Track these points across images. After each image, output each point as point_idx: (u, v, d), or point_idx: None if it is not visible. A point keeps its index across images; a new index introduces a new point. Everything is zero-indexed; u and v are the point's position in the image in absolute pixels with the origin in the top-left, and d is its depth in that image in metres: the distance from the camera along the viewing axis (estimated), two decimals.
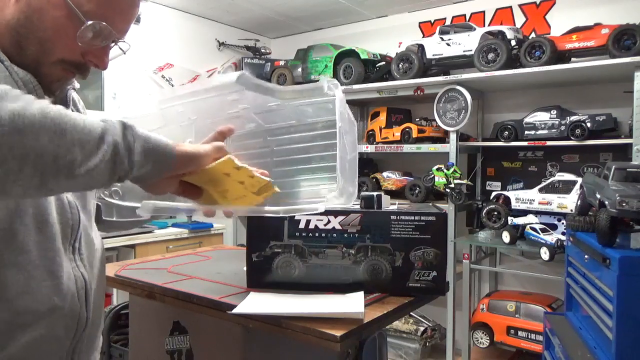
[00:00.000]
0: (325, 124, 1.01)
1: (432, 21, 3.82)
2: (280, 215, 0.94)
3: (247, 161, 0.83)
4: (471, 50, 3.13)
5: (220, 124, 0.96)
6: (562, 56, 2.89)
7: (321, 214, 1.22)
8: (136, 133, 0.72)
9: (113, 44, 0.86)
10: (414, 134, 3.43)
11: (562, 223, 2.74)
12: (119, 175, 0.70)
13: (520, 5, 3.46)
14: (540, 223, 2.80)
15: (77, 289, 0.86)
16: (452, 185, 3.12)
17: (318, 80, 0.96)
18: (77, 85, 0.97)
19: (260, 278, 1.30)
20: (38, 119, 0.61)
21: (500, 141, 3.18)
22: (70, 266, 0.86)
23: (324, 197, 0.94)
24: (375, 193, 1.33)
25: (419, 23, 3.89)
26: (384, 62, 3.61)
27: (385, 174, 3.63)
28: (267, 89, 0.96)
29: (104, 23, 0.80)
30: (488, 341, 3.11)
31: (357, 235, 1.26)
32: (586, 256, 1.77)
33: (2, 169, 0.59)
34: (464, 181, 3.17)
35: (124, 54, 0.90)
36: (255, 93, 0.96)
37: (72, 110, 0.98)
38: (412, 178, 3.56)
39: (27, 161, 0.60)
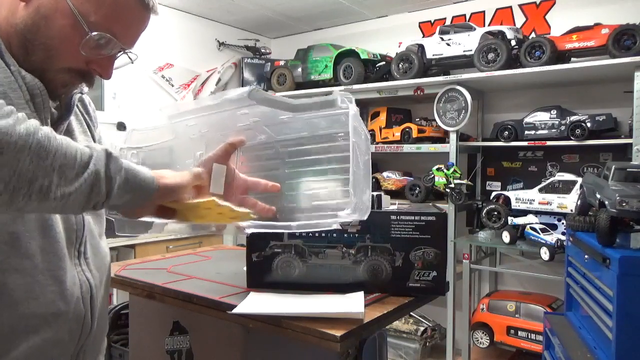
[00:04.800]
0: (339, 136, 1.00)
1: (432, 21, 3.82)
2: (293, 230, 0.94)
3: (259, 172, 0.82)
4: (471, 50, 3.12)
5: (231, 136, 0.96)
6: (562, 56, 2.88)
7: None
8: (119, 164, 0.72)
9: (120, 53, 0.86)
10: (414, 134, 3.43)
11: (562, 223, 2.74)
12: (93, 203, 0.70)
13: (520, 5, 3.45)
14: (540, 223, 2.80)
15: (82, 293, 0.86)
16: (452, 185, 3.12)
17: (330, 93, 0.95)
18: (85, 89, 0.96)
19: (260, 278, 1.30)
20: (23, 139, 0.61)
21: (500, 141, 3.18)
22: (75, 271, 0.86)
23: (337, 210, 0.93)
24: (375, 193, 1.33)
25: (419, 23, 3.89)
26: (384, 62, 3.61)
27: (385, 174, 3.63)
28: (278, 102, 0.94)
29: (108, 35, 0.80)
30: (488, 341, 3.11)
31: (357, 235, 1.26)
32: (586, 256, 1.77)
33: None
34: (464, 181, 3.17)
35: (132, 63, 0.89)
36: (266, 108, 0.95)
37: (81, 113, 0.98)
38: (412, 178, 3.56)
39: None
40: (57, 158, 0.64)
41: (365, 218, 0.94)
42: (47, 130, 0.65)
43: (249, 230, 0.92)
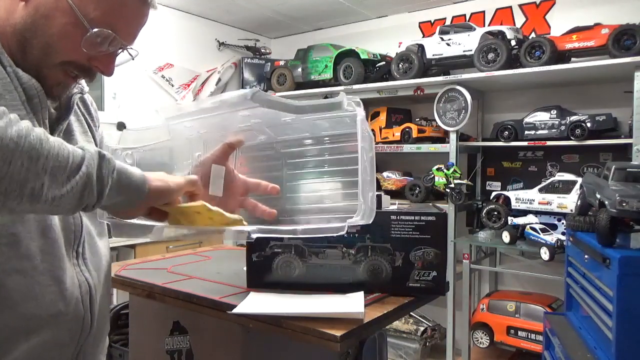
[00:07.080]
0: (343, 138, 0.99)
1: (432, 21, 3.82)
2: (298, 236, 0.93)
3: (259, 173, 0.82)
4: (471, 50, 3.12)
5: (230, 136, 0.96)
6: (562, 56, 2.88)
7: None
8: (112, 166, 0.72)
9: (121, 50, 0.86)
10: (414, 134, 3.43)
11: (562, 223, 2.74)
12: (85, 204, 0.70)
13: (520, 5, 3.45)
14: (540, 223, 2.80)
15: (82, 294, 0.86)
16: (452, 185, 3.12)
17: (331, 94, 0.94)
18: (86, 88, 0.96)
19: (260, 278, 1.30)
20: (15, 141, 0.61)
21: (500, 141, 3.18)
22: (74, 271, 0.86)
23: (342, 213, 0.92)
24: (375, 193, 1.33)
25: (419, 23, 3.89)
26: (384, 62, 3.61)
27: (385, 174, 3.63)
28: (282, 105, 0.93)
29: (109, 31, 0.80)
30: (488, 341, 3.11)
31: (357, 235, 1.26)
32: (586, 256, 1.77)
33: None
34: (464, 181, 3.17)
35: (133, 59, 0.89)
36: (267, 109, 0.94)
37: (82, 113, 0.98)
38: (412, 178, 3.56)
39: None
40: (49, 160, 0.64)
41: (371, 221, 0.93)
42: (39, 132, 0.65)
43: (254, 235, 0.92)
